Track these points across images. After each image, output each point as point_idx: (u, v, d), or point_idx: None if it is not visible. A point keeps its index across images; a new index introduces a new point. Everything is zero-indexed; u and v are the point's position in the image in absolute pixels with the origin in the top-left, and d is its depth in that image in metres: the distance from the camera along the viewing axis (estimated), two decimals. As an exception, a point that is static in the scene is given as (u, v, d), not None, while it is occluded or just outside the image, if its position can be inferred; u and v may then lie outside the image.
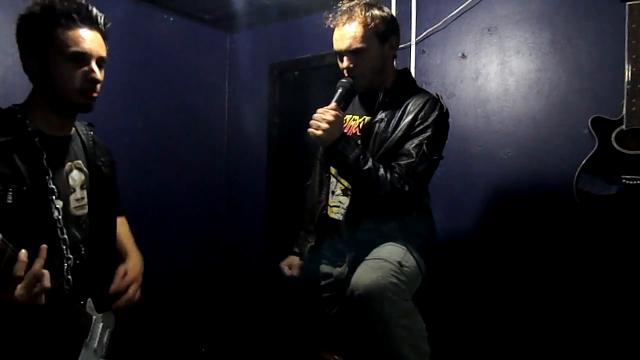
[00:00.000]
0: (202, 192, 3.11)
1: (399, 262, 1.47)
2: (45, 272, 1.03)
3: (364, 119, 1.71)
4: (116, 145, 2.59)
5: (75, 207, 1.32)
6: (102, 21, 1.29)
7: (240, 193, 3.21)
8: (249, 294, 3.12)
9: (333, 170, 1.74)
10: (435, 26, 2.36)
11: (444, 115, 1.59)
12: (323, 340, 2.48)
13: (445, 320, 2.20)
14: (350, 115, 1.77)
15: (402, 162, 1.52)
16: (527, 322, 2.09)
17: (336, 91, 1.60)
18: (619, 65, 1.83)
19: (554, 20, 2.07)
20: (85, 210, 1.35)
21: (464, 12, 2.28)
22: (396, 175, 1.50)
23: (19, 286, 1.00)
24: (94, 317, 1.33)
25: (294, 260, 1.89)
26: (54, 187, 1.23)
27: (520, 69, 2.15)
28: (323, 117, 1.51)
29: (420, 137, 1.54)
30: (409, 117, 1.56)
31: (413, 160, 1.51)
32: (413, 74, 2.39)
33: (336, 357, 2.31)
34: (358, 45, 1.60)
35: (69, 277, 1.25)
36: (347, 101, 1.78)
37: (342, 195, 1.70)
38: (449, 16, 2.32)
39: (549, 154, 2.07)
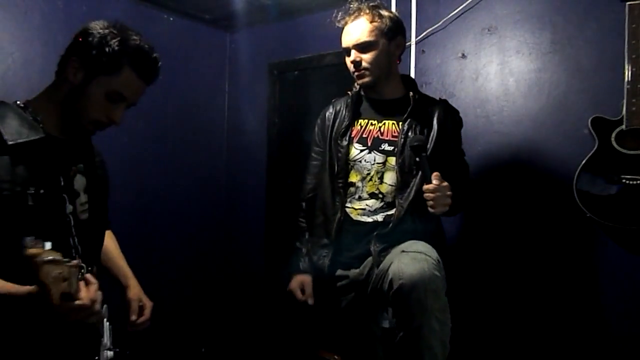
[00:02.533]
0: (202, 192, 3.11)
1: (438, 259, 1.51)
2: (99, 294, 1.07)
3: (384, 123, 1.75)
4: (116, 145, 2.61)
5: (81, 212, 1.32)
6: (156, 80, 1.32)
7: (240, 193, 3.21)
8: (249, 294, 3.12)
9: (356, 177, 1.75)
10: (435, 26, 2.36)
11: (461, 120, 1.83)
12: (323, 340, 2.48)
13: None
14: (367, 120, 1.78)
15: (465, 169, 1.77)
16: (527, 323, 2.09)
17: (423, 166, 1.58)
18: (619, 65, 1.84)
19: (554, 20, 2.07)
20: (87, 215, 1.35)
21: (464, 12, 2.28)
22: (469, 180, 1.75)
23: (81, 309, 1.01)
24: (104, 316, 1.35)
25: (306, 280, 1.83)
26: (65, 194, 1.23)
27: (520, 69, 2.15)
28: (444, 194, 1.52)
29: (458, 144, 1.79)
30: (438, 123, 1.71)
31: (465, 163, 1.79)
32: (413, 74, 2.41)
33: (336, 357, 2.31)
34: (366, 39, 1.66)
35: None
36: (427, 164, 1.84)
37: (371, 199, 1.72)
38: (449, 16, 2.32)
39: (549, 154, 2.07)
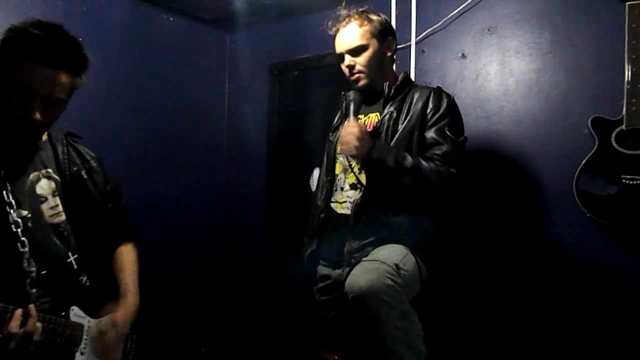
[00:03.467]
0: (202, 192, 3.11)
1: (396, 265, 1.47)
2: (38, 326, 1.13)
3: (369, 117, 1.78)
4: (116, 146, 2.61)
5: (51, 215, 1.32)
6: (75, 63, 1.26)
7: (240, 193, 3.21)
8: (249, 294, 3.12)
9: (339, 169, 1.78)
10: (435, 26, 2.36)
11: (452, 100, 1.69)
12: (323, 340, 2.48)
13: (443, 322, 2.20)
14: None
15: (437, 151, 1.57)
16: (526, 324, 2.09)
17: (349, 106, 1.65)
18: (619, 65, 1.83)
19: (554, 20, 2.07)
20: (63, 217, 1.35)
21: (464, 12, 2.29)
22: (438, 162, 1.54)
23: (13, 341, 1.09)
24: (87, 324, 1.31)
25: None
26: (12, 200, 1.23)
27: (520, 69, 2.15)
28: (350, 132, 1.54)
29: (440, 124, 1.61)
30: (418, 107, 1.64)
31: (443, 144, 1.57)
32: (413, 74, 2.41)
33: (336, 357, 2.31)
34: (357, 43, 1.70)
35: (33, 290, 1.23)
36: (359, 108, 1.84)
37: (351, 190, 1.72)
38: (449, 16, 2.32)
39: (549, 154, 2.07)
